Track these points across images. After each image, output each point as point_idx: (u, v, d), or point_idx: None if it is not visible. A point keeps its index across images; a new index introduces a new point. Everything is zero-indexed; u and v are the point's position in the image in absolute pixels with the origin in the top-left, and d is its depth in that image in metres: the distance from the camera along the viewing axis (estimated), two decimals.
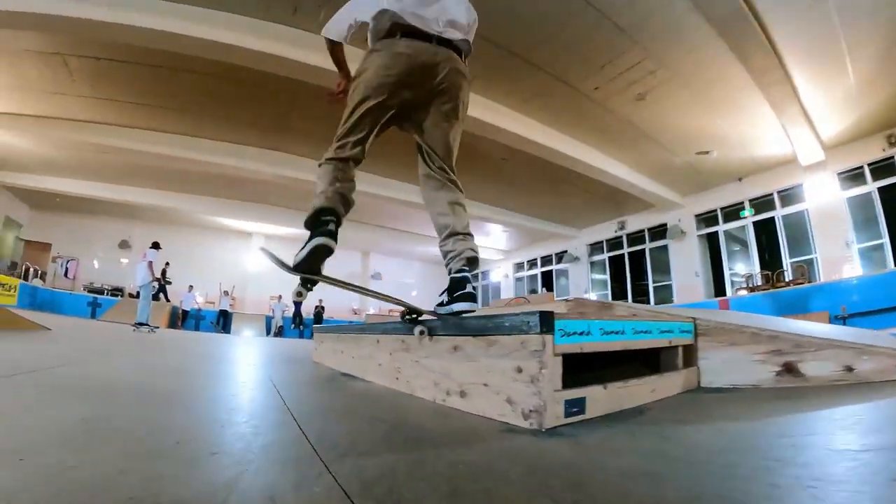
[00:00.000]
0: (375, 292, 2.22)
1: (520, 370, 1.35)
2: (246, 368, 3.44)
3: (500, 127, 9.65)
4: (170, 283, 15.66)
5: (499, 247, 20.48)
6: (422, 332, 1.81)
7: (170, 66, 8.57)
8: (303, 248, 1.84)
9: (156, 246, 9.77)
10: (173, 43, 7.45)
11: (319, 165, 1.96)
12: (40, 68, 8.96)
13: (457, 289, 1.89)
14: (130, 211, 17.72)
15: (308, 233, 1.86)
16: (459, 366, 1.63)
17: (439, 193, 2.11)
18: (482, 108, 9.26)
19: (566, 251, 18.52)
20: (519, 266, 21.87)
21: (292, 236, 19.34)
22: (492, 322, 1.52)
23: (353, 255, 21.82)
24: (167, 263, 14.89)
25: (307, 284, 1.93)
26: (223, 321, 16.86)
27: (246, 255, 19.76)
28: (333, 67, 2.29)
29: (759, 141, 10.58)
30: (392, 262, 22.68)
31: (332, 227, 1.85)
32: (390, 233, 18.85)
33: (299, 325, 17.75)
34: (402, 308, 2.02)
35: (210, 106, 10.05)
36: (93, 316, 15.64)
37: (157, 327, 10.52)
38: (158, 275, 10.15)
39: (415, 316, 1.97)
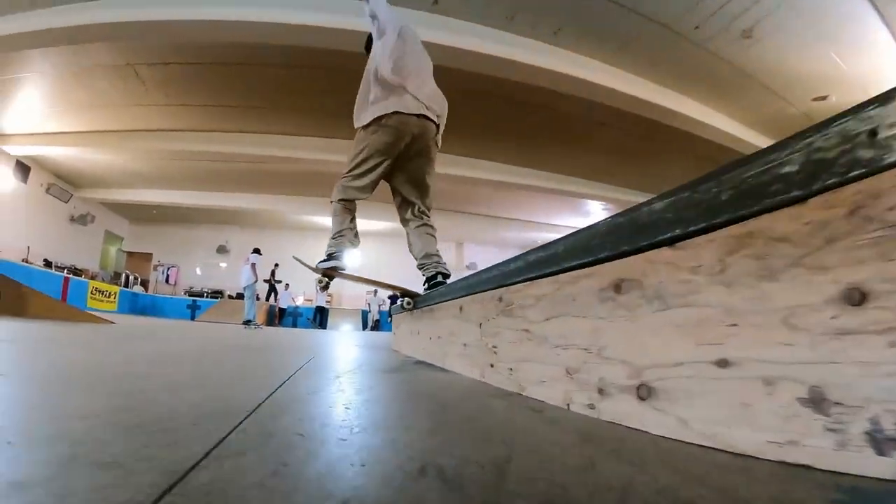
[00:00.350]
0: (376, 281, 3.01)
1: None
2: (290, 357, 2.74)
3: (592, 82, 8.88)
4: (279, 282, 17.06)
5: None
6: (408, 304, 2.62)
7: (242, 62, 8.73)
8: (327, 260, 3.22)
9: (257, 251, 11.40)
10: (249, 32, 7.51)
11: (332, 202, 3.05)
12: (113, 81, 9.51)
13: (432, 280, 2.86)
14: (225, 217, 19.00)
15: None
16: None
17: (420, 232, 3.15)
18: (572, 65, 8.60)
19: None
20: None
21: (385, 231, 19.95)
22: None
23: (448, 246, 21.10)
24: (276, 265, 16.14)
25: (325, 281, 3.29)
26: (320, 317, 17.70)
27: None
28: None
29: (882, 83, 8.49)
30: (487, 251, 21.86)
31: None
32: (483, 221, 18.40)
33: None
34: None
35: (288, 100, 10.12)
36: (192, 317, 17.07)
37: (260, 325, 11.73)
38: (265, 277, 11.31)
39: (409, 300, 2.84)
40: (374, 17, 2.99)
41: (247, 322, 10.34)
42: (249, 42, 7.94)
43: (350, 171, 2.91)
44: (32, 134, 12.08)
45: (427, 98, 2.88)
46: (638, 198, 14.98)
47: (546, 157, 12.24)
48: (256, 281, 10.90)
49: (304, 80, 9.27)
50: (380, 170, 2.88)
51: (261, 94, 9.84)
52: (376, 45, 2.96)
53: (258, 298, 13.21)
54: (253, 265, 10.80)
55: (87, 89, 9.91)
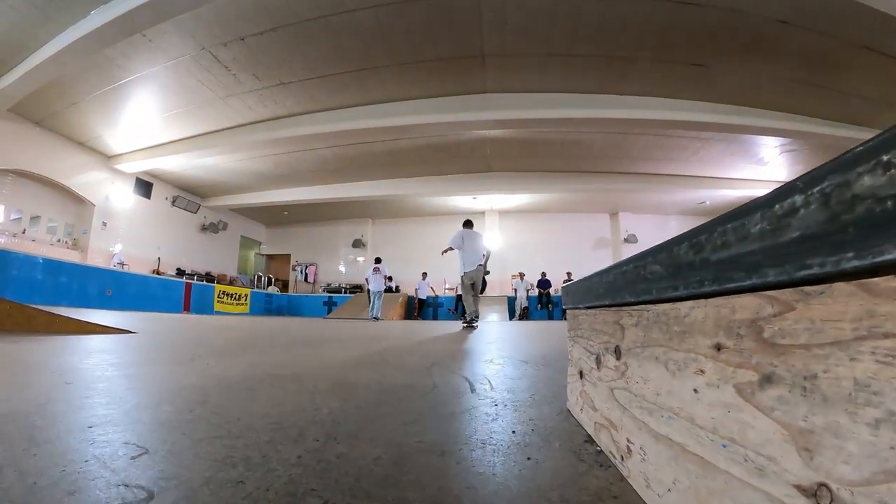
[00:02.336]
0: None
1: None
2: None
3: None
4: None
5: (778, 178, 15.61)
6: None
7: (323, 14, 8.25)
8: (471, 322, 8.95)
9: (378, 260, 14.55)
10: None
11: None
12: (197, 74, 9.91)
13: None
14: (357, 210, 20.18)
15: None
16: None
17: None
18: None
19: None
20: None
21: (526, 208, 19.84)
22: None
23: (601, 217, 20.61)
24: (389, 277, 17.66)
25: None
26: (461, 306, 17.52)
27: (482, 236, 20.27)
28: None
29: None
30: (645, 220, 20.12)
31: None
32: (639, 181, 16.02)
33: (547, 304, 17.59)
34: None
35: (389, 55, 9.47)
36: (327, 313, 18.32)
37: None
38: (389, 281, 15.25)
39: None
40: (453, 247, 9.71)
41: (375, 318, 13.55)
42: None
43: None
44: (143, 149, 13.59)
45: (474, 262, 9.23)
46: (830, 129, 11.64)
47: (713, 80, 9.94)
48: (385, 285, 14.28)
49: (402, 23, 8.46)
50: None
51: (356, 52, 9.33)
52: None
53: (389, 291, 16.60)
54: (386, 276, 14.18)
55: (180, 92, 10.58)
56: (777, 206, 0.45)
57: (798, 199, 0.43)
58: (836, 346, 0.40)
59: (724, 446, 0.54)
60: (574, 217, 20.25)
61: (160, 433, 1.19)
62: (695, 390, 0.62)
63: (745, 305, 0.53)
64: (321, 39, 8.96)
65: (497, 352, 3.68)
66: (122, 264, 14.03)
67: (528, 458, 1.02)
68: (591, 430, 1.17)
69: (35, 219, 13.02)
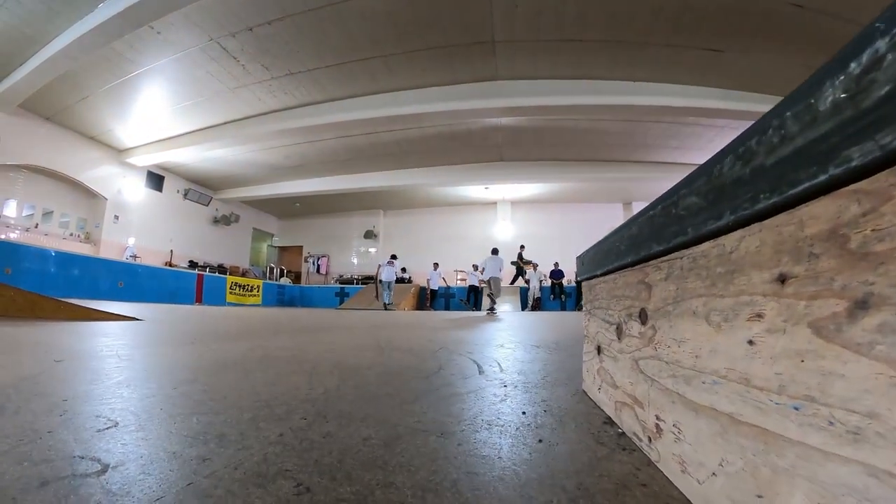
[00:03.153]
0: None
1: None
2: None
3: None
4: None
5: None
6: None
7: (332, 2, 8.07)
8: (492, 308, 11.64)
9: (394, 257, 15.47)
10: None
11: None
12: (205, 66, 9.81)
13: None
14: (369, 200, 20.05)
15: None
16: None
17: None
18: None
19: None
20: None
21: (539, 198, 19.71)
22: None
23: (614, 207, 20.13)
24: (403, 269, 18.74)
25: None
26: (473, 297, 17.58)
27: (493, 226, 20.56)
28: None
29: None
30: None
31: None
32: (652, 169, 15.76)
33: (560, 294, 17.43)
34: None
35: (398, 41, 9.24)
36: (339, 304, 18.15)
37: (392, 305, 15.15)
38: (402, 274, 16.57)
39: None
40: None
41: (387, 305, 14.77)
42: None
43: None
44: (154, 143, 13.56)
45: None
46: None
47: (728, 66, 9.69)
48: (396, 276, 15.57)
49: (411, 9, 8.24)
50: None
51: (366, 40, 9.15)
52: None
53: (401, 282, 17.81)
54: (393, 266, 15.19)
55: (189, 84, 10.49)
56: (853, 64, 0.33)
57: (883, 43, 0.30)
58: None
59: (797, 409, 0.41)
60: (587, 207, 20.00)
61: (136, 408, 1.10)
62: (750, 342, 0.49)
63: (819, 213, 0.40)
64: (330, 28, 8.81)
65: (508, 337, 3.56)
66: (134, 257, 14.09)
67: (540, 441, 0.90)
68: (610, 411, 1.04)
69: (48, 213, 13.10)
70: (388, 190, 17.91)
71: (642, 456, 0.79)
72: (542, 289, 17.65)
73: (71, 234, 13.61)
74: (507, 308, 16.91)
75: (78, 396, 1.17)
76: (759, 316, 0.48)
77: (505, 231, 20.44)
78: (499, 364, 1.96)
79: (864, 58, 0.32)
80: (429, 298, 18.21)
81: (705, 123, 12.29)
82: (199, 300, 14.26)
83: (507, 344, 2.96)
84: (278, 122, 12.02)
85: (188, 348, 2.41)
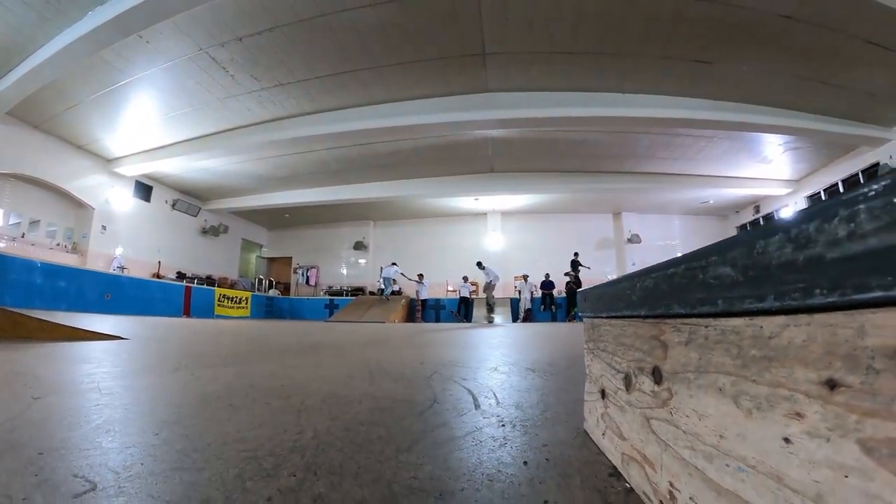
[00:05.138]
0: None
1: None
2: None
3: None
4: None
5: (783, 176, 15.79)
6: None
7: (321, 13, 8.12)
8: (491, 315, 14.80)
9: (395, 264, 17.48)
10: None
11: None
12: (195, 76, 9.80)
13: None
14: (359, 212, 20.15)
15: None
16: None
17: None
18: None
19: (878, 164, 12.68)
20: (815, 200, 15.91)
21: (529, 208, 19.92)
22: None
23: (604, 218, 20.60)
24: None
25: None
26: (464, 309, 17.58)
27: (484, 237, 20.66)
28: None
29: None
30: (648, 220, 20.26)
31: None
32: (641, 180, 15.96)
33: (550, 305, 17.46)
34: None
35: (389, 52, 9.29)
36: (329, 317, 18.20)
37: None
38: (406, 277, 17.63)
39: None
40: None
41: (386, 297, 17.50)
42: None
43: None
44: (142, 152, 13.50)
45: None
46: (834, 127, 11.47)
47: (718, 77, 9.81)
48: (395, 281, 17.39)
49: (402, 21, 8.32)
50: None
51: (356, 51, 9.18)
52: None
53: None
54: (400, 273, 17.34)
55: (178, 94, 10.49)
56: None
57: None
58: None
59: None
60: (577, 217, 20.12)
61: (115, 462, 1.02)
62: (786, 440, 0.44)
63: (886, 324, 0.35)
64: (320, 39, 8.82)
65: (502, 358, 3.50)
66: (122, 268, 13.91)
67: (546, 502, 0.85)
68: (616, 461, 0.99)
69: (34, 223, 12.92)
70: (378, 201, 17.88)
71: None
72: (532, 300, 17.72)
73: (58, 245, 13.43)
74: (497, 320, 16.91)
75: (54, 448, 1.10)
76: (800, 415, 0.43)
77: (495, 242, 20.54)
78: (495, 395, 1.90)
79: None
80: (419, 310, 18.14)
81: (695, 134, 12.42)
82: (186, 313, 14.08)
83: (500, 367, 2.91)
84: (268, 132, 11.98)
85: (172, 377, 2.33)
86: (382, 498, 0.85)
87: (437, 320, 18.12)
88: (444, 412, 1.58)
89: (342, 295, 20.57)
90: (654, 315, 0.76)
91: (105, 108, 11.17)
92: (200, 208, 18.24)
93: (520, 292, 18.06)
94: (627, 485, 0.90)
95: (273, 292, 20.55)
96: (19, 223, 12.65)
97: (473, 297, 18.35)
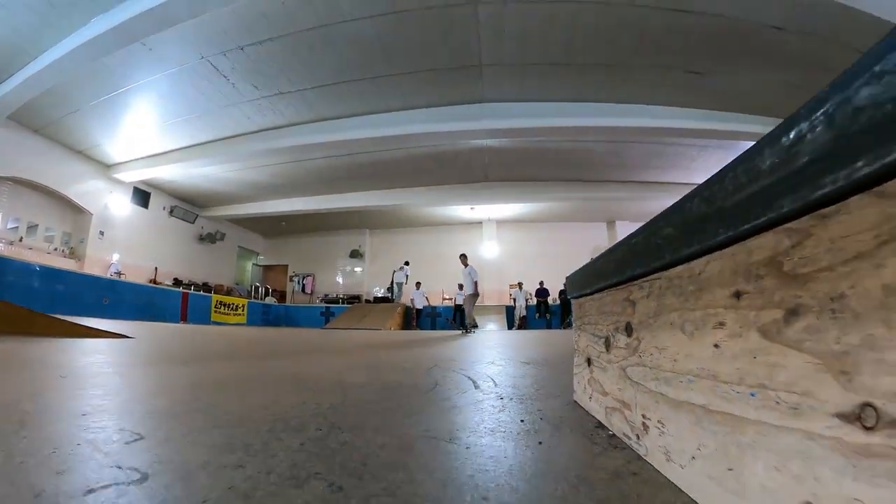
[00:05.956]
0: None
1: None
2: None
3: None
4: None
5: None
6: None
7: (321, 24, 8.29)
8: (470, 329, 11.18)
9: (406, 263, 18.07)
10: None
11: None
12: (196, 83, 9.92)
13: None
14: (355, 220, 20.11)
15: None
16: None
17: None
18: None
19: None
20: None
21: (524, 217, 20.10)
22: None
23: (598, 227, 20.61)
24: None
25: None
26: (460, 317, 17.64)
27: (479, 245, 20.69)
28: None
29: None
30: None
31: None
32: (637, 191, 16.06)
33: (545, 313, 17.58)
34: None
35: (388, 63, 9.45)
36: (325, 324, 18.19)
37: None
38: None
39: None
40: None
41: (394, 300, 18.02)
42: None
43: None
44: (141, 158, 13.57)
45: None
46: None
47: (710, 87, 10.05)
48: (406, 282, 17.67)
49: (399, 33, 8.50)
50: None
51: (355, 62, 9.36)
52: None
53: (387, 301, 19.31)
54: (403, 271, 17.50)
55: (179, 101, 10.59)
56: (784, 138, 0.47)
57: (803, 125, 0.43)
58: (860, 259, 0.40)
59: (753, 395, 0.53)
60: (571, 226, 20.29)
61: (154, 422, 1.16)
62: (716, 346, 0.61)
63: (762, 245, 0.53)
64: (320, 49, 8.99)
65: (498, 355, 3.65)
66: (118, 273, 13.97)
67: (540, 443, 1.00)
68: (601, 416, 1.14)
69: (32, 227, 12.98)
70: (375, 209, 18.03)
71: (632, 452, 0.89)
72: (527, 307, 17.84)
73: (55, 249, 13.47)
74: (493, 327, 17.01)
75: (94, 412, 1.23)
76: (722, 324, 0.60)
77: (491, 250, 20.69)
78: (493, 380, 2.05)
79: (789, 135, 0.44)
80: (414, 318, 18.21)
81: (687, 143, 12.63)
82: (183, 318, 14.15)
83: (497, 361, 3.05)
84: (267, 140, 12.11)
85: (184, 368, 2.46)
86: (400, 443, 0.99)
87: (434, 328, 18.22)
88: (447, 391, 1.72)
89: (338, 303, 20.62)
90: (625, 280, 0.93)
91: (105, 113, 11.29)
92: (197, 215, 18.31)
93: (515, 300, 18.20)
94: (610, 431, 1.05)
95: (269, 300, 20.57)
96: (17, 227, 12.73)
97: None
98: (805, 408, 0.45)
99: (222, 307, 15.89)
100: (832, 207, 0.42)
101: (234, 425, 1.13)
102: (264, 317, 18.54)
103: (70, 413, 1.21)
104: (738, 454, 0.55)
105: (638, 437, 0.86)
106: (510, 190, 16.21)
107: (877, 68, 0.37)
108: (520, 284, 18.01)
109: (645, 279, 0.86)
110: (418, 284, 18.01)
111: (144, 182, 15.23)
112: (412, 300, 18.17)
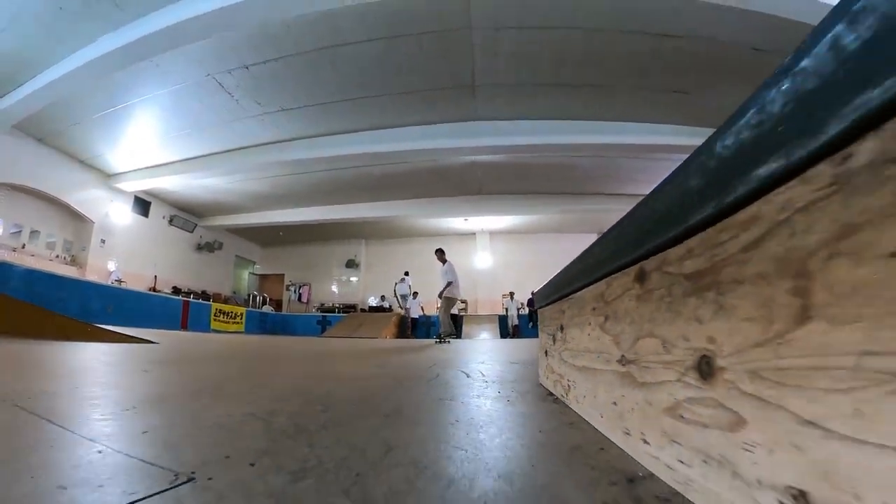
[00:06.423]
0: None
1: None
2: None
3: None
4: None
5: None
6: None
7: (324, 46, 8.84)
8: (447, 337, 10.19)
9: (406, 274, 17.24)
10: None
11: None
12: (201, 99, 10.42)
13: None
14: (351, 231, 20.74)
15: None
16: None
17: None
18: None
19: None
20: None
21: (516, 228, 20.71)
22: None
23: (588, 237, 20.03)
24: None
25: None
26: (455, 326, 18.06)
27: (473, 255, 21.36)
28: None
29: None
30: None
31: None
32: (625, 203, 15.89)
33: (537, 322, 17.91)
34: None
35: (386, 83, 10.04)
36: (321, 333, 18.59)
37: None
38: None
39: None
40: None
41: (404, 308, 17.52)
42: (327, 12, 7.81)
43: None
44: (142, 168, 14.06)
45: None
46: None
47: (693, 105, 10.65)
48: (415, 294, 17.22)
49: (397, 55, 9.12)
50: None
51: (355, 82, 9.97)
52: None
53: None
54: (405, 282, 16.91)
55: (183, 115, 11.08)
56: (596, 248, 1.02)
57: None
58: (620, 300, 0.97)
59: (598, 357, 1.10)
60: (562, 237, 20.76)
61: (233, 389, 1.72)
62: (588, 334, 1.19)
63: (598, 287, 1.11)
64: (322, 69, 9.55)
65: (489, 357, 4.22)
66: (119, 281, 14.38)
67: (508, 401, 1.57)
68: (551, 388, 1.73)
69: (34, 234, 13.38)
70: (372, 220, 18.63)
71: (564, 404, 1.47)
72: (519, 316, 18.19)
73: (57, 256, 13.88)
74: (486, 336, 17.52)
75: (203, 389, 1.79)
76: (590, 323, 1.17)
77: (484, 260, 21.20)
78: (482, 374, 2.63)
79: (594, 247, 1.02)
80: (410, 327, 18.61)
81: (674, 158, 13.09)
82: (184, 326, 14.57)
83: (487, 362, 3.63)
84: (268, 154, 12.64)
85: (210, 365, 3.01)
86: (412, 401, 1.56)
87: (429, 337, 18.65)
88: (446, 379, 2.30)
89: (334, 312, 21.09)
90: (561, 297, 1.51)
91: (110, 125, 11.76)
92: (196, 224, 18.80)
93: (506, 309, 18.77)
94: (554, 395, 1.63)
95: (266, 308, 21.03)
96: (19, 233, 13.11)
97: (463, 314, 19.00)
98: (609, 359, 1.02)
99: (222, 315, 16.34)
100: (616, 274, 0.99)
101: (273, 397, 1.68)
102: (262, 325, 18.96)
103: (185, 392, 1.76)
104: (594, 389, 1.13)
105: (566, 394, 1.45)
106: (503, 202, 16.81)
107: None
108: (511, 294, 18.46)
109: (567, 298, 1.43)
110: (415, 294, 18.45)
111: (145, 192, 15.66)
112: (407, 309, 18.61)
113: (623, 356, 0.94)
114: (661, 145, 11.84)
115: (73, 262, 14.28)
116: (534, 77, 9.80)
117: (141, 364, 2.75)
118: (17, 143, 11.93)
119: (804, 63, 0.47)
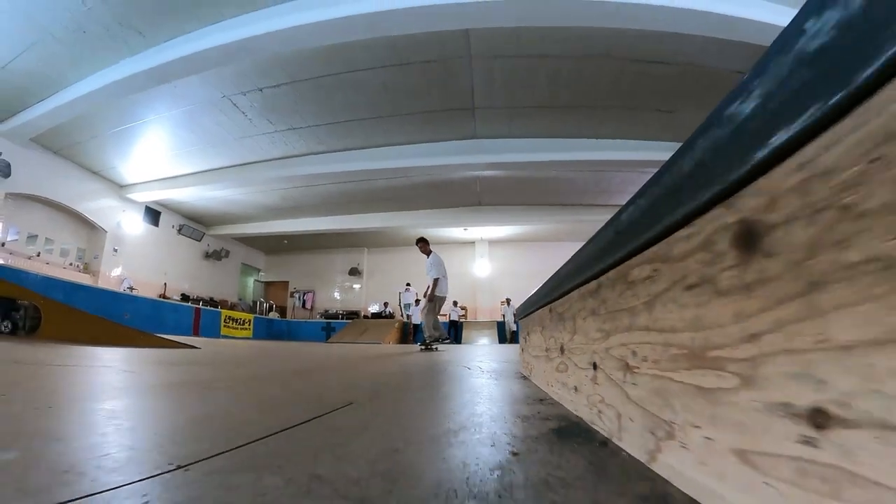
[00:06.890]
0: None
1: None
2: None
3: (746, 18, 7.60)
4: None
5: None
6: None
7: (335, 73, 9.66)
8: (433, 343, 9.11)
9: (409, 285, 19.08)
10: (331, 32, 8.05)
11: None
12: (215, 117, 11.22)
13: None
14: (354, 239, 21.73)
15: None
16: None
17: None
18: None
19: None
20: None
21: (514, 237, 21.64)
22: None
23: (575, 246, 21.43)
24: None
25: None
26: (454, 332, 18.78)
27: (472, 264, 22.36)
28: None
29: None
30: None
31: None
32: (614, 213, 17.32)
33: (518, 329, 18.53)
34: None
35: (392, 105, 10.86)
36: (326, 339, 19.55)
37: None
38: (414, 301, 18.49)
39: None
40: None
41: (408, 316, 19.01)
42: (337, 44, 8.50)
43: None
44: (154, 181, 14.88)
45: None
46: None
47: (680, 123, 11.34)
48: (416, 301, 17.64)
49: (403, 80, 9.98)
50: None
51: (362, 104, 10.81)
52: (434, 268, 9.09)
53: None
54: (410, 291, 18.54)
55: (196, 132, 11.90)
56: (553, 282, 1.82)
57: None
58: (574, 319, 1.77)
59: (541, 350, 1.90)
60: (558, 246, 21.11)
61: (296, 384, 2.52)
62: (538, 337, 1.98)
63: (544, 312, 1.89)
64: (331, 93, 10.41)
65: (486, 358, 5.03)
66: (131, 288, 15.07)
67: (496, 380, 2.38)
68: (525, 373, 2.54)
69: (49, 242, 14.17)
70: (375, 230, 19.59)
71: (530, 381, 2.27)
72: (516, 322, 18.85)
73: (70, 264, 14.56)
74: (485, 341, 18.24)
75: (260, 377, 2.59)
76: (538, 332, 1.97)
77: (483, 269, 22.21)
78: (481, 368, 3.44)
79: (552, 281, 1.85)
80: (411, 332, 19.28)
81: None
82: (195, 332, 15.21)
83: (484, 360, 4.44)
84: (278, 169, 13.52)
85: (253, 365, 3.80)
86: (436, 382, 2.36)
87: None
88: (453, 371, 3.10)
89: (338, 318, 21.99)
90: (526, 314, 2.31)
91: (124, 140, 12.54)
92: (204, 233, 19.70)
93: (504, 316, 19.51)
94: (525, 376, 2.44)
95: (273, 315, 22.04)
96: (35, 238, 13.68)
97: (462, 320, 19.84)
98: (557, 352, 1.81)
99: (231, 321, 17.02)
100: (559, 300, 1.79)
101: (323, 384, 2.49)
102: (269, 331, 19.62)
103: (289, 371, 2.56)
104: (544, 368, 1.93)
105: (530, 374, 2.25)
106: (501, 213, 17.89)
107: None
108: (507, 301, 19.11)
109: (529, 315, 2.22)
110: (418, 301, 19.09)
111: (156, 202, 16.45)
112: (409, 315, 19.32)
113: (547, 349, 1.74)
114: (649, 161, 12.65)
115: (86, 269, 15.02)
116: (529, 100, 10.64)
117: (229, 361, 3.53)
118: (33, 155, 12.64)
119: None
